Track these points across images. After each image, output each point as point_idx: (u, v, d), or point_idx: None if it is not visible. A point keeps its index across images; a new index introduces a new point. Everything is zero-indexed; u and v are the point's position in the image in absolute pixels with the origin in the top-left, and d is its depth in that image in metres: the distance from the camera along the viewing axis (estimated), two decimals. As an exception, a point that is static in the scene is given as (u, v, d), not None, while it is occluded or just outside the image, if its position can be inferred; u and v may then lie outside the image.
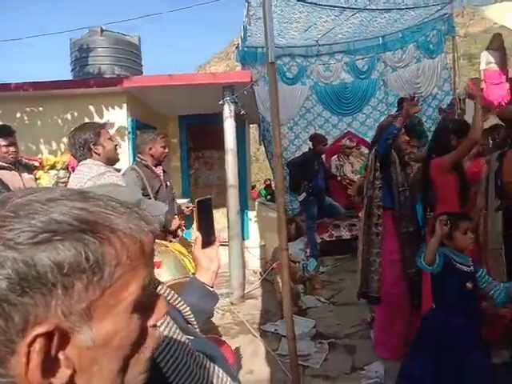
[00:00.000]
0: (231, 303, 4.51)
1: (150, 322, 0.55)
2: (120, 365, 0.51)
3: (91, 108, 4.63)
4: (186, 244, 3.05)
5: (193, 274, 1.72)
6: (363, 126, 6.83)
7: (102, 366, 0.49)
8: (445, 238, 2.31)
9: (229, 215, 4.53)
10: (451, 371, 2.12)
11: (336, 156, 6.49)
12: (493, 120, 3.73)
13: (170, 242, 3.13)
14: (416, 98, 3.29)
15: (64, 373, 0.46)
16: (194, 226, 1.71)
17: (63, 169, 3.93)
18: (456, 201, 2.91)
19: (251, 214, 6.07)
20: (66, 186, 3.18)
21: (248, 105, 5.09)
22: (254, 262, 5.72)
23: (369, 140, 5.57)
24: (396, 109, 5.90)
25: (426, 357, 2.24)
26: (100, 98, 4.61)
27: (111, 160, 2.50)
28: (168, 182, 3.38)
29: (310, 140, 5.84)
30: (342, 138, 6.76)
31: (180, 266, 2.89)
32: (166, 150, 3.25)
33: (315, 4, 5.25)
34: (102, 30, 5.73)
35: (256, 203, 6.30)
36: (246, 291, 4.80)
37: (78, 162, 2.44)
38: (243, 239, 5.95)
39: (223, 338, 3.72)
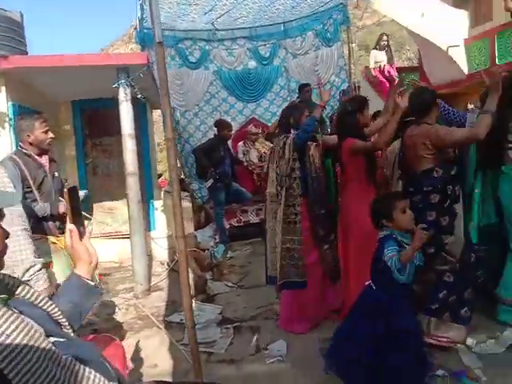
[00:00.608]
0: (136, 297, 4.33)
1: None
2: None
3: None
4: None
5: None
6: (267, 112, 6.92)
7: None
8: (385, 220, 2.26)
9: (129, 205, 4.31)
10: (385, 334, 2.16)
11: (242, 142, 6.51)
12: None
13: (59, 236, 2.91)
14: (324, 86, 3.42)
15: None
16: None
17: None
18: (366, 179, 3.11)
19: (157, 204, 5.87)
20: None
21: (148, 89, 4.87)
22: (161, 253, 5.56)
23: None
24: (297, 95, 6.07)
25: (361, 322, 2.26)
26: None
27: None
28: (56, 173, 3.08)
29: (215, 126, 5.79)
30: (248, 125, 6.80)
31: (71, 264, 2.71)
32: (50, 136, 2.94)
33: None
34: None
35: (162, 192, 6.11)
36: (152, 283, 4.64)
37: None
38: (149, 230, 5.77)
39: (128, 335, 3.58)
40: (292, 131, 3.26)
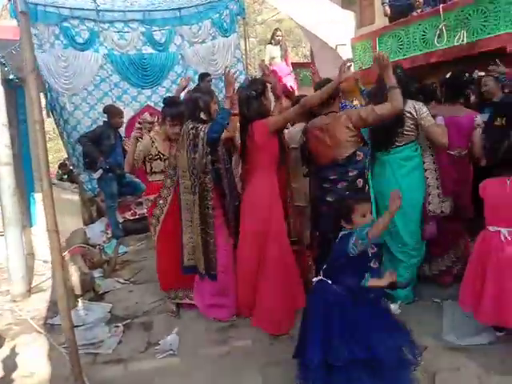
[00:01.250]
0: (13, 301, 3.89)
1: None
2: None
3: None
4: None
5: None
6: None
7: None
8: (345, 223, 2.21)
9: (2, 199, 3.83)
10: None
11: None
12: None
13: None
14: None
15: None
16: None
17: None
18: (276, 162, 3.07)
19: (39, 197, 5.32)
20: None
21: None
22: (44, 250, 5.05)
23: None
24: (197, 84, 5.92)
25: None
26: None
27: None
28: None
29: (105, 112, 5.41)
30: (143, 112, 6.49)
31: None
32: None
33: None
34: None
35: (45, 184, 5.55)
36: (33, 285, 4.21)
37: None
38: (30, 225, 5.23)
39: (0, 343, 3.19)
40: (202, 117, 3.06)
